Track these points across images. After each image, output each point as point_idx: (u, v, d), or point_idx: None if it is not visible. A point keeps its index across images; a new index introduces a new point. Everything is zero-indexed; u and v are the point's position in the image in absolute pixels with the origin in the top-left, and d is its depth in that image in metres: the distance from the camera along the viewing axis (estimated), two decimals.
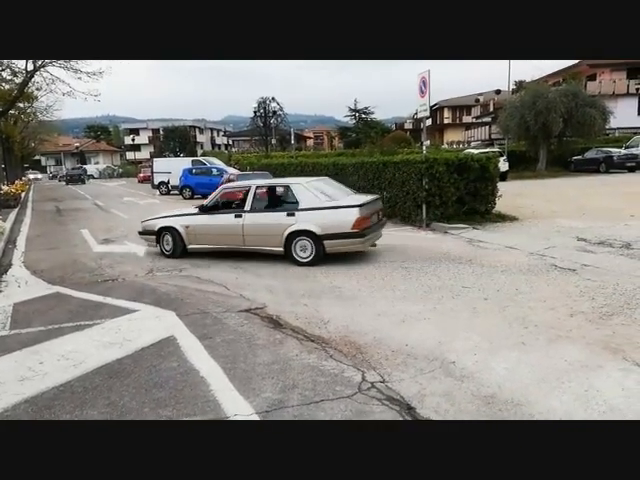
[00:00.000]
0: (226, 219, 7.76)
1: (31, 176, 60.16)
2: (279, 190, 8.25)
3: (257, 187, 7.88)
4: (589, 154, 25.90)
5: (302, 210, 7.20)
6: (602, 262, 6.54)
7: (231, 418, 3.08)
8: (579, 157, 26.35)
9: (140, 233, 8.87)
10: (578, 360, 3.69)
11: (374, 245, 7.97)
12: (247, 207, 7.65)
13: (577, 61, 34.03)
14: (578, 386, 3.29)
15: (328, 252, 7.13)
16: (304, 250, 7.17)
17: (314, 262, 7.10)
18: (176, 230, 8.09)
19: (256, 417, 3.08)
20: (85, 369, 3.90)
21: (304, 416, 3.07)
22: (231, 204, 8.54)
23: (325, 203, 7.24)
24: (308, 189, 7.43)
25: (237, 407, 3.20)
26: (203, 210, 8.03)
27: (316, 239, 7.06)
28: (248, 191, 7.83)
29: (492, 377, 3.47)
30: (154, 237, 8.39)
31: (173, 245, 8.13)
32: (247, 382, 3.56)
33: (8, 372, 3.88)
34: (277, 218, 7.39)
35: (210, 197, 8.27)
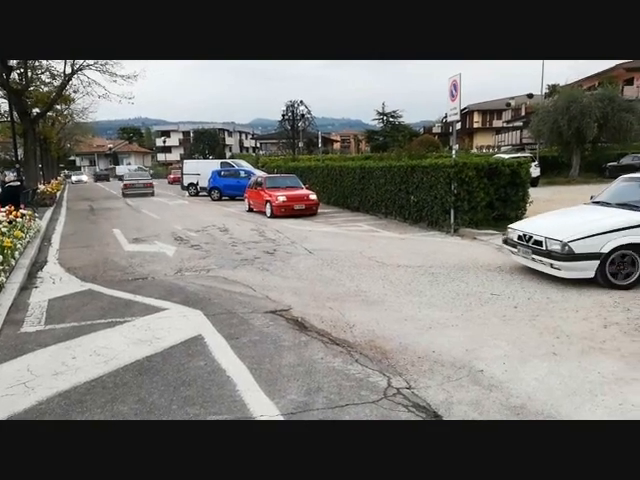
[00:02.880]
0: None
1: (74, 178, 54.13)
2: None
3: None
4: (625, 160, 25.09)
5: None
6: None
7: (257, 419, 3.10)
8: (614, 163, 25.56)
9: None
10: (612, 373, 3.57)
11: None
12: None
13: (613, 65, 33.04)
14: (612, 400, 3.19)
15: None
16: None
17: None
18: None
19: (281, 419, 3.09)
20: (116, 365, 3.99)
21: (329, 419, 3.06)
22: None
23: None
24: None
25: (263, 408, 3.22)
26: None
27: None
28: None
29: (522, 387, 3.40)
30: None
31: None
32: (273, 383, 3.58)
33: (43, 366, 4.01)
34: None
35: None
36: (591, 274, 5.70)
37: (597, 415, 3.01)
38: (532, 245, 6.24)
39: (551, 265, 5.93)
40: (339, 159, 29.47)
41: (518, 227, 6.79)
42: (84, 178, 55.58)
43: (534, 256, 6.19)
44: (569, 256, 5.72)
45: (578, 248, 5.66)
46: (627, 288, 5.65)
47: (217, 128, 69.32)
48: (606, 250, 5.60)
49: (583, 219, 6.32)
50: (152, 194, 25.63)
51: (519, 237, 6.56)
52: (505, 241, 7.00)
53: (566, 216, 6.92)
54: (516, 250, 6.64)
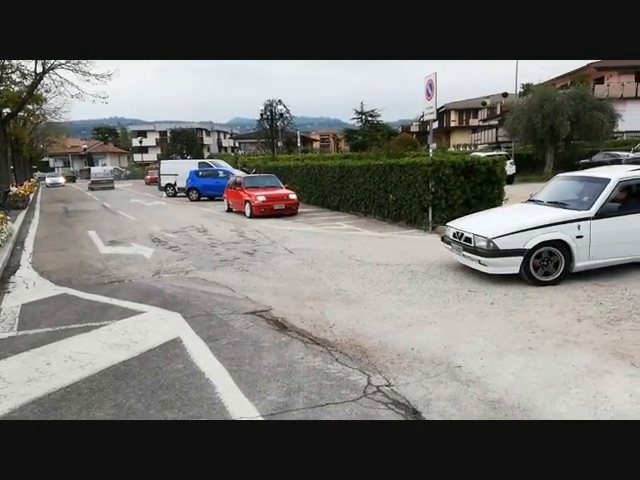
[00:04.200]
0: None
1: (48, 180, 46.86)
2: None
3: None
4: (597, 158, 25.69)
5: None
6: (610, 267, 6.48)
7: (236, 419, 3.08)
8: (587, 160, 26.12)
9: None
10: (585, 365, 3.66)
11: None
12: None
13: (585, 64, 33.87)
14: (586, 392, 3.27)
15: None
16: None
17: None
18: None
19: (261, 420, 3.08)
20: (92, 370, 3.92)
21: (309, 420, 3.06)
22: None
23: None
24: None
25: (242, 409, 3.20)
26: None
27: None
28: None
29: (499, 382, 3.46)
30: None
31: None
32: (252, 384, 3.56)
33: (16, 373, 3.91)
34: None
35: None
36: (516, 270, 5.85)
37: (571, 407, 3.08)
38: (463, 242, 6.41)
39: (479, 261, 6.12)
40: (318, 158, 29.49)
41: (453, 225, 6.95)
42: (61, 180, 47.68)
43: (464, 252, 6.38)
44: (494, 252, 5.88)
45: (502, 244, 5.83)
46: (551, 284, 5.81)
47: (195, 128, 68.55)
48: (529, 246, 5.75)
49: (512, 217, 6.55)
50: (112, 187, 35.72)
51: (453, 234, 6.73)
52: (442, 238, 7.16)
53: (499, 214, 7.22)
54: (451, 247, 6.81)
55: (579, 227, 5.82)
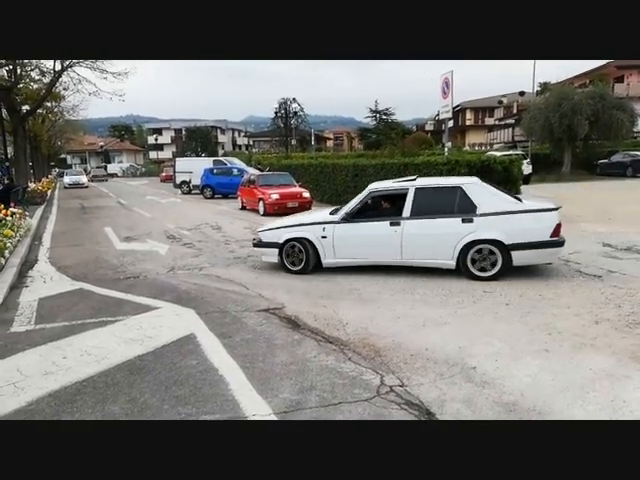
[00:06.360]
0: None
1: (67, 179, 36.75)
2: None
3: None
4: (615, 158, 25.30)
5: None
6: (629, 269, 6.38)
7: (249, 418, 3.09)
8: (605, 161, 25.77)
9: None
10: (603, 369, 3.59)
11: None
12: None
13: (604, 63, 33.26)
14: (604, 396, 3.21)
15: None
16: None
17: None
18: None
19: (274, 418, 3.08)
20: (107, 365, 3.96)
21: (322, 418, 3.05)
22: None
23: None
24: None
25: (255, 407, 3.20)
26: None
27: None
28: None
29: (514, 384, 3.41)
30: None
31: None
32: (265, 382, 3.57)
33: (33, 366, 3.97)
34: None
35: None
36: (275, 259, 7.13)
37: (589, 411, 3.03)
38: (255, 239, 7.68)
39: (262, 253, 7.46)
40: (332, 157, 29.47)
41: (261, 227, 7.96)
42: (83, 179, 37.29)
43: (253, 248, 7.70)
44: (260, 244, 7.34)
45: (265, 238, 7.28)
46: (299, 273, 6.87)
47: (209, 126, 68.94)
48: (281, 241, 7.02)
49: (292, 218, 7.77)
50: (106, 180, 48.06)
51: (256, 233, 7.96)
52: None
53: (293, 216, 8.35)
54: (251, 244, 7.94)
55: (324, 229, 6.81)
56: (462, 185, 6.44)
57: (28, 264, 8.17)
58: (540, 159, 26.34)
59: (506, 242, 6.03)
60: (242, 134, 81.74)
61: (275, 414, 3.11)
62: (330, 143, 78.52)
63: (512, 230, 6.05)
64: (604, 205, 13.02)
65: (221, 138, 73.43)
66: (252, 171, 20.81)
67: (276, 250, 7.06)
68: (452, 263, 6.31)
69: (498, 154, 15.67)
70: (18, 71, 22.18)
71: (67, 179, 37.29)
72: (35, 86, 23.89)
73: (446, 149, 10.99)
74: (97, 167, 60.84)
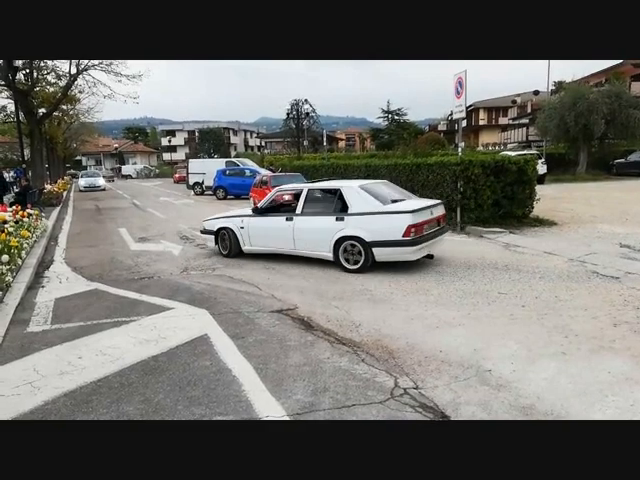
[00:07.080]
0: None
1: (82, 182, 33.86)
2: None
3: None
4: (633, 157, 24.87)
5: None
6: None
7: (263, 419, 3.08)
8: (622, 160, 25.35)
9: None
10: (622, 372, 3.52)
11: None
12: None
13: (620, 61, 32.73)
14: (623, 400, 3.14)
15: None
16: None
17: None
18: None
19: (288, 419, 3.07)
20: (122, 365, 3.99)
21: (336, 420, 3.04)
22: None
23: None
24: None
25: (269, 408, 3.20)
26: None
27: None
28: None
29: (531, 387, 3.36)
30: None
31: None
32: (279, 383, 3.56)
33: (49, 366, 4.01)
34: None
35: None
36: (212, 244, 8.63)
37: (607, 415, 2.97)
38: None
39: (205, 240, 8.97)
40: (344, 157, 29.40)
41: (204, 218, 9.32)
42: (100, 182, 34.42)
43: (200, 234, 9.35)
44: (204, 231, 8.89)
45: (207, 226, 8.77)
46: (228, 256, 8.25)
47: (222, 127, 69.42)
48: (215, 229, 8.50)
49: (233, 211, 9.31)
50: (113, 181, 51.41)
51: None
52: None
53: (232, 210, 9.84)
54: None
55: (242, 221, 8.16)
56: (341, 188, 7.23)
57: (44, 264, 8.28)
58: (555, 159, 25.99)
59: (367, 239, 6.72)
60: (254, 135, 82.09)
61: (288, 415, 3.10)
62: (342, 144, 78.42)
63: (373, 229, 6.71)
64: (621, 205, 12.81)
65: (233, 139, 73.86)
66: (264, 172, 20.87)
67: (212, 237, 8.55)
68: (330, 255, 7.11)
69: (513, 154, 15.50)
70: (35, 75, 22.55)
71: (82, 182, 34.27)
72: (51, 89, 24.26)
73: (459, 149, 10.87)
74: (111, 169, 62.09)
